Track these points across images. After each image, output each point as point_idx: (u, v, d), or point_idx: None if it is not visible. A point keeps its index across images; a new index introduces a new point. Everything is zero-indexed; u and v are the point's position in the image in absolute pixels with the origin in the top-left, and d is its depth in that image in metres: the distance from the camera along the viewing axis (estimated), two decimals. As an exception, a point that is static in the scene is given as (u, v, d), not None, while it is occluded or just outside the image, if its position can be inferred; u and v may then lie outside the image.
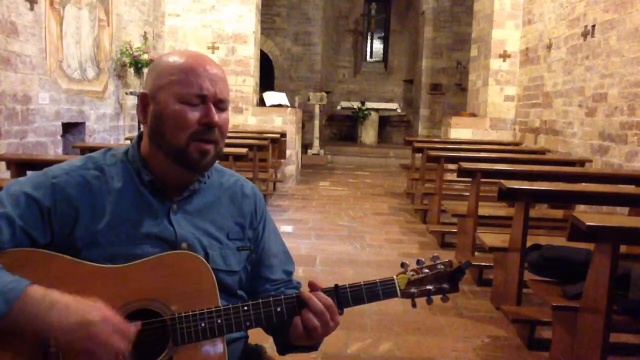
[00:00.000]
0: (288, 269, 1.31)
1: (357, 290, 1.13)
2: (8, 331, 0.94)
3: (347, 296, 1.13)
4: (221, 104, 1.11)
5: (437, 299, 1.18)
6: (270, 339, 1.27)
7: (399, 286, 1.14)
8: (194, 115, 1.08)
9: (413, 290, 1.15)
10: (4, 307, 0.92)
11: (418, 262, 1.18)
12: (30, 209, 1.04)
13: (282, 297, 1.11)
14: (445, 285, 1.17)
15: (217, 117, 1.09)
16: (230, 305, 1.08)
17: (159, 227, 1.12)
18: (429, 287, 1.16)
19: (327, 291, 1.12)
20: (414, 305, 1.16)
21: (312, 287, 1.13)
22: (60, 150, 4.78)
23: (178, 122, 1.08)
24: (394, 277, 1.15)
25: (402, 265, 1.17)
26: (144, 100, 1.13)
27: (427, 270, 1.17)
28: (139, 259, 1.06)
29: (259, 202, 1.29)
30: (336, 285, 1.13)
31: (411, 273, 1.16)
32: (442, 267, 1.17)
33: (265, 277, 1.27)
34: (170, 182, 1.14)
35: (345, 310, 1.14)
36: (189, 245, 1.13)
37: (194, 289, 1.07)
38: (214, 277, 1.09)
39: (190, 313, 1.05)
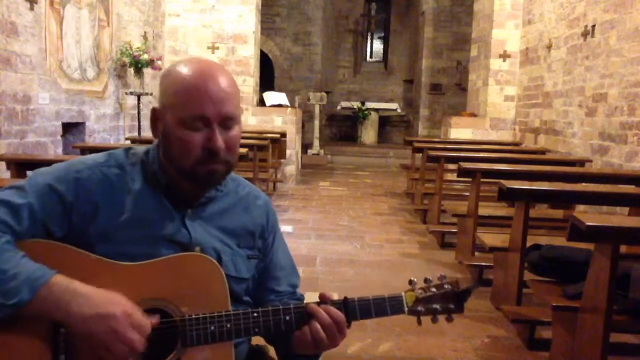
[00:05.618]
0: (294, 282, 1.32)
1: (366, 305, 1.14)
2: (27, 317, 0.95)
3: (355, 310, 1.13)
4: (228, 122, 1.08)
5: (441, 318, 1.19)
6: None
7: (406, 303, 1.16)
8: (197, 139, 1.06)
9: (420, 308, 1.16)
10: (28, 295, 0.94)
11: (426, 280, 1.19)
12: (52, 202, 1.05)
13: (292, 306, 1.12)
14: (451, 306, 1.18)
15: (220, 141, 1.06)
16: (240, 311, 1.08)
17: (174, 230, 1.12)
18: (436, 306, 1.17)
19: (335, 303, 1.13)
20: (419, 322, 1.17)
21: (322, 299, 1.13)
22: (60, 150, 4.77)
23: (182, 147, 1.07)
24: (402, 293, 1.16)
25: (410, 282, 1.18)
26: (154, 116, 1.13)
27: (435, 289, 1.18)
28: (152, 258, 1.07)
29: (271, 215, 1.30)
30: (345, 298, 1.14)
31: (419, 291, 1.17)
32: (449, 287, 1.18)
33: (271, 288, 1.27)
34: (184, 191, 1.14)
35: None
36: (202, 250, 1.13)
37: (205, 292, 1.07)
38: (226, 281, 1.09)
39: (201, 315, 1.05)
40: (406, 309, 1.15)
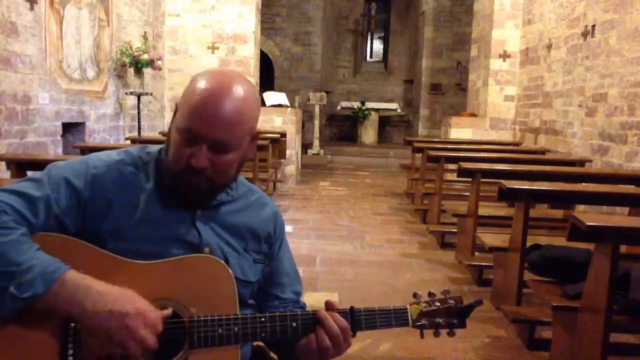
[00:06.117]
0: (297, 290, 1.33)
1: (371, 315, 1.15)
2: (39, 310, 0.96)
3: (361, 320, 1.15)
4: (219, 147, 1.06)
5: (443, 332, 1.20)
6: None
7: (411, 316, 1.17)
8: (186, 152, 1.06)
9: (424, 321, 1.17)
10: (41, 289, 0.94)
11: (430, 294, 1.20)
12: (68, 196, 1.06)
13: (299, 313, 1.12)
14: (454, 320, 1.19)
15: (202, 161, 1.05)
16: (248, 315, 1.09)
17: (184, 230, 1.13)
18: (439, 320, 1.18)
19: (341, 312, 1.14)
20: (422, 336, 1.18)
21: (329, 306, 1.14)
22: (60, 150, 4.77)
23: (174, 153, 1.09)
24: (407, 306, 1.18)
25: (415, 295, 1.19)
26: (175, 109, 1.13)
27: (439, 304, 1.19)
28: (162, 258, 1.08)
29: (279, 222, 1.30)
30: (351, 308, 1.15)
31: (424, 304, 1.18)
32: (453, 302, 1.20)
33: (275, 294, 1.28)
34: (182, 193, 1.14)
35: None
36: (211, 251, 1.14)
37: (214, 294, 1.08)
38: (235, 284, 1.10)
39: (209, 317, 1.05)
40: (410, 322, 1.17)
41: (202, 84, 1.06)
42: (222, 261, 1.11)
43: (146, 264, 1.06)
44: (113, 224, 1.07)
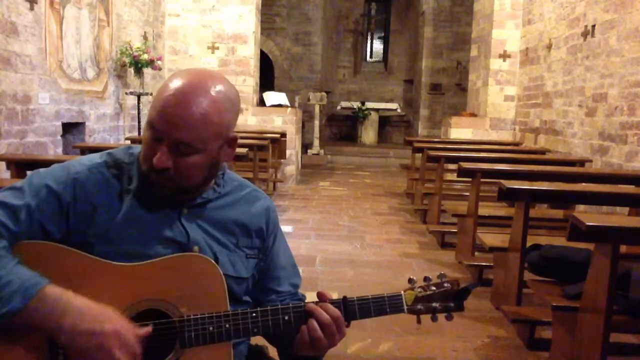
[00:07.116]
0: (295, 282, 1.32)
1: (365, 304, 1.14)
2: (19, 326, 0.95)
3: (354, 309, 1.13)
4: (181, 147, 1.03)
5: (440, 316, 1.19)
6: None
7: (406, 302, 1.15)
8: (152, 151, 1.05)
9: (419, 307, 1.16)
10: (19, 304, 0.93)
11: (425, 279, 1.19)
12: (50, 203, 1.05)
13: (290, 305, 1.11)
14: (451, 304, 1.17)
15: (162, 160, 1.03)
16: (239, 311, 1.08)
17: (171, 229, 1.12)
18: (435, 304, 1.17)
19: (334, 302, 1.13)
20: (419, 321, 1.16)
21: (321, 297, 1.13)
22: (60, 150, 4.77)
23: (142, 150, 1.09)
24: (402, 292, 1.16)
25: (410, 281, 1.18)
26: None
27: (434, 288, 1.17)
28: (150, 258, 1.07)
29: (272, 215, 1.28)
30: (344, 297, 1.14)
31: (419, 290, 1.17)
32: (449, 285, 1.18)
33: (272, 288, 1.27)
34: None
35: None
36: (200, 249, 1.13)
37: (204, 292, 1.07)
38: (224, 281, 1.09)
39: (199, 316, 1.05)
40: (405, 307, 1.15)
41: (172, 82, 1.05)
42: (211, 259, 1.10)
43: (134, 265, 1.05)
44: (98, 227, 1.07)
